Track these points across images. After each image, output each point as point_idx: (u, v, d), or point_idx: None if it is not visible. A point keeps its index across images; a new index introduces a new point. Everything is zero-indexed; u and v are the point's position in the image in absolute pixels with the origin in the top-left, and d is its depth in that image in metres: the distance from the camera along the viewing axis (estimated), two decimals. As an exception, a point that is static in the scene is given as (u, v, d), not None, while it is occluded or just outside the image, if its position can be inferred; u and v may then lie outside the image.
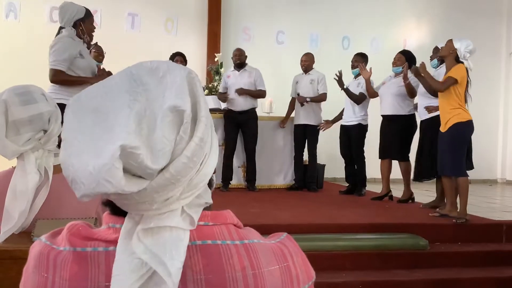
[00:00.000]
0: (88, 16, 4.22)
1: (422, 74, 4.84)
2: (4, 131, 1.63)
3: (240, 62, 6.63)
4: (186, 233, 0.72)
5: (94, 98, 0.71)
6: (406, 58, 5.82)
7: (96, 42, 5.88)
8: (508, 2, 10.29)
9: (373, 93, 6.06)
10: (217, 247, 0.74)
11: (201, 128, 0.69)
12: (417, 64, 5.61)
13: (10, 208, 1.61)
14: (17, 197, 1.62)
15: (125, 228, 0.72)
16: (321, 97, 6.69)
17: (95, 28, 4.37)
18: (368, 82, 6.07)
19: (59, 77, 3.98)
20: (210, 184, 0.83)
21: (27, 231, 1.64)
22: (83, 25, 4.15)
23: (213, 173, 0.84)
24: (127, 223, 0.73)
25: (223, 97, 6.66)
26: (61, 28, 4.19)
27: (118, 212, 0.75)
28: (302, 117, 6.71)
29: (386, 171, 5.94)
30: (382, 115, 5.94)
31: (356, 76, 6.45)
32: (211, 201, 0.78)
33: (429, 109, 5.16)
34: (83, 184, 0.66)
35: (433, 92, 4.90)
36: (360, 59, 6.41)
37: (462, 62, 4.56)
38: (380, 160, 5.99)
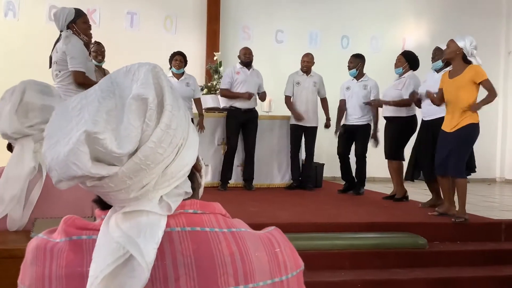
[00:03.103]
0: (78, 16, 4.23)
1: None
2: (16, 107, 1.69)
3: (249, 60, 6.66)
4: (162, 218, 0.75)
5: (75, 100, 0.77)
6: (406, 59, 5.83)
7: (95, 41, 5.87)
8: (507, 2, 10.29)
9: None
10: (206, 234, 0.77)
11: (166, 115, 0.72)
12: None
13: (1, 191, 1.64)
14: (10, 181, 1.65)
15: (107, 216, 0.76)
16: (327, 104, 6.88)
17: (90, 26, 4.36)
18: (380, 104, 6.12)
19: (85, 80, 4.09)
20: (195, 180, 0.86)
21: (26, 230, 1.64)
22: (76, 26, 4.18)
23: (199, 170, 0.86)
24: (109, 212, 0.77)
25: (246, 95, 6.49)
26: (61, 32, 4.25)
27: (106, 207, 0.79)
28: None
29: (393, 171, 5.95)
30: (383, 117, 5.96)
31: (357, 77, 6.43)
32: (191, 191, 0.81)
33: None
34: (56, 170, 0.71)
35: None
36: (356, 61, 6.41)
37: (470, 61, 4.53)
38: (386, 160, 6.02)
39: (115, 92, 0.75)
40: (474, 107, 4.44)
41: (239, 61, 6.73)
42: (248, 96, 6.51)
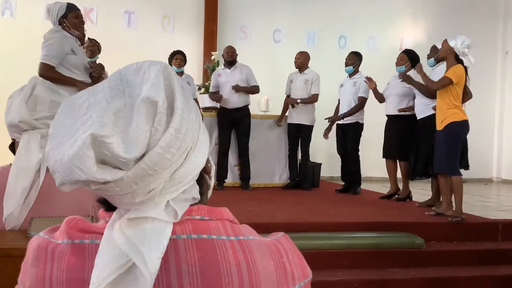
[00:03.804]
0: (69, 10, 4.14)
1: (419, 74, 4.86)
2: (26, 99, 1.74)
3: (232, 59, 6.67)
4: (168, 226, 0.73)
5: (82, 97, 0.75)
6: (409, 57, 5.83)
7: (89, 38, 5.83)
8: (505, 2, 10.32)
9: (381, 99, 6.03)
10: (213, 242, 0.75)
11: (176, 119, 0.70)
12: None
13: (13, 184, 1.66)
14: (20, 173, 1.67)
15: (112, 220, 0.74)
16: (312, 99, 6.68)
17: (82, 21, 4.26)
18: (376, 91, 6.04)
19: (48, 73, 3.90)
20: (204, 183, 0.84)
21: (23, 229, 1.64)
22: (66, 21, 4.10)
23: (208, 172, 0.84)
24: (114, 216, 0.75)
25: (217, 97, 6.62)
26: None
27: (111, 209, 0.77)
28: (296, 116, 6.74)
29: (392, 170, 5.97)
30: (386, 115, 5.96)
31: (351, 74, 6.45)
32: (198, 197, 0.79)
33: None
34: (59, 173, 0.69)
35: (429, 93, 4.89)
36: (355, 58, 6.43)
37: (462, 60, 4.57)
38: (384, 159, 6.03)
39: (124, 91, 0.73)
40: (403, 75, 5.10)
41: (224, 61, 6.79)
42: (217, 97, 6.57)
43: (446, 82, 4.50)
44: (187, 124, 0.71)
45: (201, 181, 0.81)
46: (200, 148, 0.76)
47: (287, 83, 6.90)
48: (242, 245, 0.76)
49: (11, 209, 1.64)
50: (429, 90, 4.82)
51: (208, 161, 0.83)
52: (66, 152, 0.68)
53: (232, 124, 6.65)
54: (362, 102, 6.30)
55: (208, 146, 0.80)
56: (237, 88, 6.49)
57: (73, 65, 4.06)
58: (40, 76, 3.92)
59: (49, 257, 0.75)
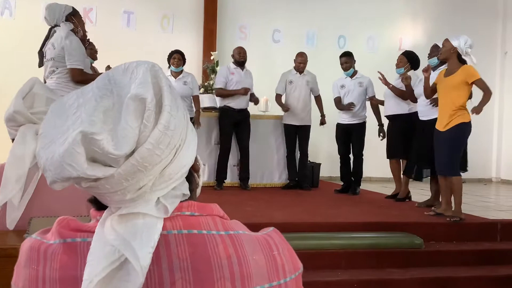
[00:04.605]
0: (76, 12, 4.26)
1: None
2: (23, 95, 1.80)
3: (243, 60, 6.66)
4: (159, 221, 0.74)
5: (72, 98, 0.76)
6: (408, 59, 5.84)
7: (89, 39, 5.86)
8: (504, 2, 10.32)
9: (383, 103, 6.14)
10: (203, 237, 0.76)
11: (164, 116, 0.71)
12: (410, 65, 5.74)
13: (8, 171, 1.69)
14: (16, 160, 1.70)
15: (103, 218, 0.75)
16: (321, 101, 6.87)
17: (84, 23, 4.39)
18: (380, 103, 6.21)
19: (82, 76, 4.05)
20: (193, 180, 0.85)
21: (21, 229, 1.64)
22: (75, 18, 4.16)
23: (197, 170, 0.85)
24: (105, 214, 0.75)
25: (245, 89, 6.50)
26: (52, 28, 4.19)
27: (102, 208, 0.78)
28: (294, 117, 6.75)
29: (396, 170, 5.98)
30: (385, 116, 5.97)
31: (352, 75, 6.45)
32: (188, 193, 0.80)
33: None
34: (50, 171, 0.70)
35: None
36: (351, 59, 6.44)
37: (465, 60, 4.55)
38: (387, 160, 6.04)
39: (112, 91, 0.73)
40: (477, 110, 4.39)
41: (233, 60, 6.73)
42: (244, 91, 6.49)
43: (484, 82, 4.48)
44: (175, 121, 0.72)
45: (190, 178, 0.82)
46: (189, 146, 0.77)
47: (283, 83, 6.85)
48: (233, 240, 0.77)
49: (7, 197, 1.65)
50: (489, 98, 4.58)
51: (196, 159, 0.84)
52: (56, 150, 0.69)
53: (234, 125, 6.63)
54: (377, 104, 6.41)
55: (196, 145, 0.81)
56: (256, 100, 6.75)
57: (86, 68, 4.21)
58: (76, 82, 4.03)
59: (42, 258, 0.76)
